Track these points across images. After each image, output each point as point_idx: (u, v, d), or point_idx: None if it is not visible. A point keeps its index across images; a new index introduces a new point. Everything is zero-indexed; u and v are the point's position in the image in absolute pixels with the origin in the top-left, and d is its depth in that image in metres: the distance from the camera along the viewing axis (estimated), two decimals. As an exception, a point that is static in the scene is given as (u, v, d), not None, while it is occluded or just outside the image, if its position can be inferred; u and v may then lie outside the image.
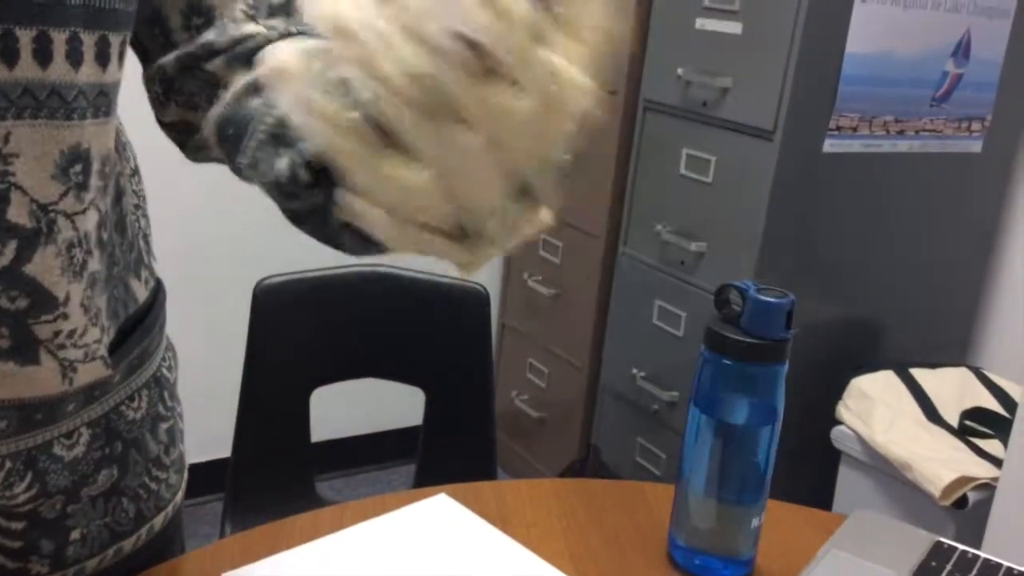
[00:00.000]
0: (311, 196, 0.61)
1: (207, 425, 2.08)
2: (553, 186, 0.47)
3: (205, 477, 2.15)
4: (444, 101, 0.43)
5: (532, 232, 0.50)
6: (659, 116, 2.00)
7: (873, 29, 1.70)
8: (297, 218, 0.63)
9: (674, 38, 1.94)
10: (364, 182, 0.47)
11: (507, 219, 0.48)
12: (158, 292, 0.74)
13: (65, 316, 0.58)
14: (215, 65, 0.65)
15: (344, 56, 0.45)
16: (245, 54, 0.64)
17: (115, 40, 0.58)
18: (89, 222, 0.60)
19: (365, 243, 0.63)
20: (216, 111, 0.65)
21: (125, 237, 0.69)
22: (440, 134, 0.44)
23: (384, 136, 0.45)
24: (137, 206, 0.71)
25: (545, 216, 0.50)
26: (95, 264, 0.61)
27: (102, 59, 0.57)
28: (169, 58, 0.66)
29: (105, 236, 0.63)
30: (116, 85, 0.61)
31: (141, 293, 0.70)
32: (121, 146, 0.68)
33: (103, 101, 0.59)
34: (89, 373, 0.61)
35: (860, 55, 1.70)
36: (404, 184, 0.46)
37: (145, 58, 0.66)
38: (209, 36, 0.65)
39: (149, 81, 0.66)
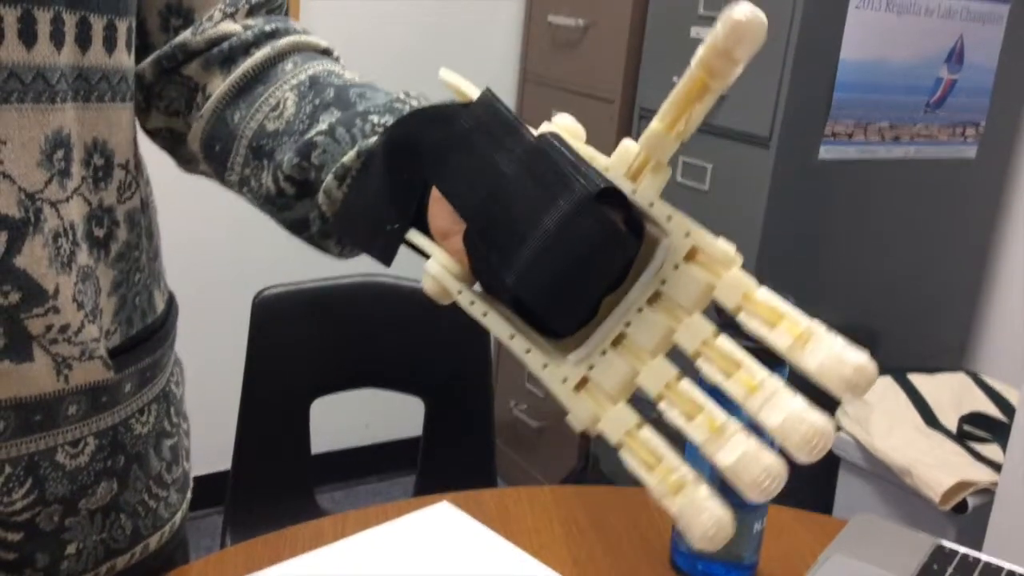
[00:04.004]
0: (301, 207, 0.61)
1: (207, 437, 2.08)
2: None
3: (206, 490, 2.14)
4: None
5: None
6: (655, 125, 2.00)
7: (867, 36, 1.70)
8: (294, 227, 0.63)
9: (669, 46, 1.95)
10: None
11: None
12: (172, 304, 0.73)
13: (56, 310, 0.56)
14: (191, 69, 0.64)
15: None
16: (221, 56, 0.63)
17: (97, 23, 0.57)
18: (74, 212, 0.58)
19: (349, 250, 0.64)
20: (200, 127, 0.64)
21: (152, 243, 0.68)
22: None
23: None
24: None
25: None
26: (84, 258, 0.59)
27: (82, 41, 0.56)
28: (146, 63, 0.64)
29: (101, 233, 0.61)
30: (99, 70, 0.58)
31: (160, 304, 0.70)
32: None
33: (82, 85, 0.57)
34: (87, 372, 0.60)
35: (854, 62, 1.71)
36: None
37: None
38: (184, 36, 0.64)
39: None
